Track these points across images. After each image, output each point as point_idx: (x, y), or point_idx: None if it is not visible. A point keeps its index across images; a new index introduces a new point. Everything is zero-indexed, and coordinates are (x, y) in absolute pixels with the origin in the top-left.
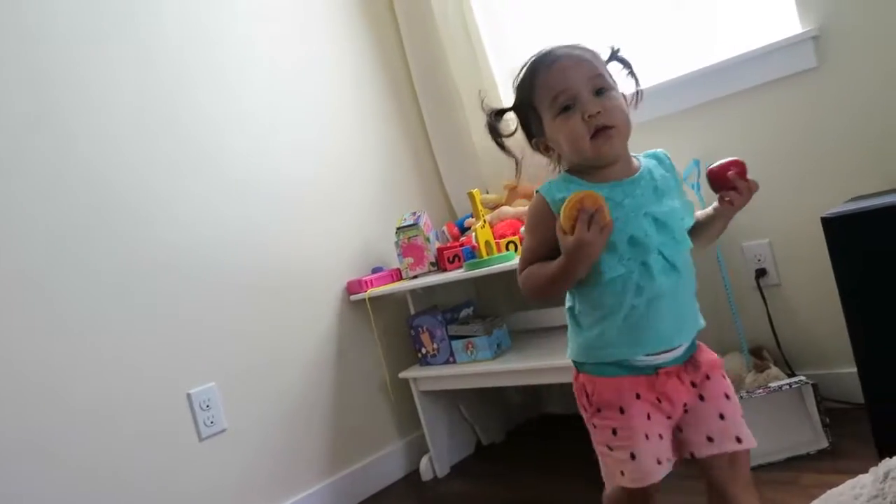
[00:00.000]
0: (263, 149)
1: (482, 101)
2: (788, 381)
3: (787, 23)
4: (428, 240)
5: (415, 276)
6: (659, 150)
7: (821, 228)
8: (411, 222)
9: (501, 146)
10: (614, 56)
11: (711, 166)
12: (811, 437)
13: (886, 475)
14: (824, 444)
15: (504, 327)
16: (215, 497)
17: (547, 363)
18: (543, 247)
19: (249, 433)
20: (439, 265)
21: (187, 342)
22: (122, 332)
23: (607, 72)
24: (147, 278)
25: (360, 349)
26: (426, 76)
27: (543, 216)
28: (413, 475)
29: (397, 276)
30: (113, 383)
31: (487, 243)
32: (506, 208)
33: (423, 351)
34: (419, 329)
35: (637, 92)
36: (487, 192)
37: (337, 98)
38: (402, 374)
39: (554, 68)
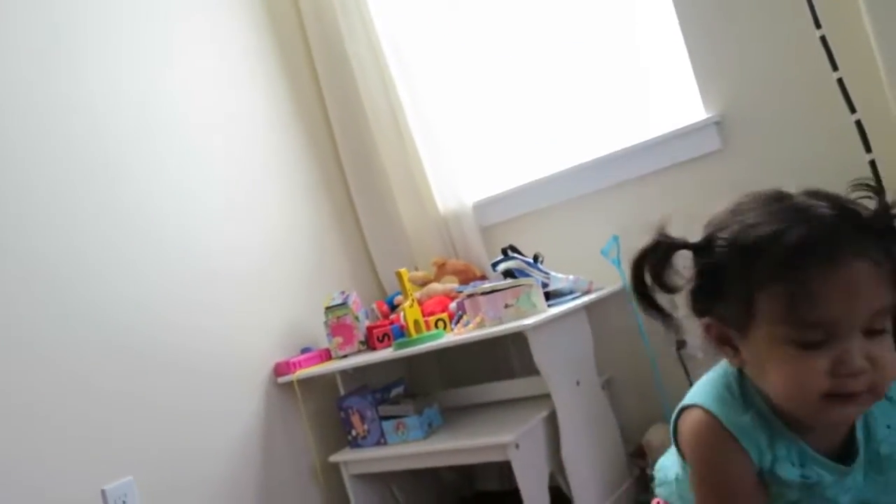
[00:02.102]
0: (188, 224)
1: (662, 225)
2: None
3: (693, 109)
4: (357, 318)
5: (344, 356)
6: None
7: None
8: (340, 301)
9: (649, 301)
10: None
11: None
12: None
13: None
14: None
15: (435, 405)
16: None
17: (479, 442)
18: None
19: None
20: (369, 344)
21: (100, 431)
22: (29, 422)
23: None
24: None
25: (289, 433)
26: (354, 156)
27: (728, 455)
28: None
29: (326, 356)
30: (21, 480)
31: (416, 322)
32: (435, 285)
33: (354, 433)
34: (349, 410)
35: None
36: (416, 269)
37: (263, 177)
38: (332, 458)
39: (840, 278)
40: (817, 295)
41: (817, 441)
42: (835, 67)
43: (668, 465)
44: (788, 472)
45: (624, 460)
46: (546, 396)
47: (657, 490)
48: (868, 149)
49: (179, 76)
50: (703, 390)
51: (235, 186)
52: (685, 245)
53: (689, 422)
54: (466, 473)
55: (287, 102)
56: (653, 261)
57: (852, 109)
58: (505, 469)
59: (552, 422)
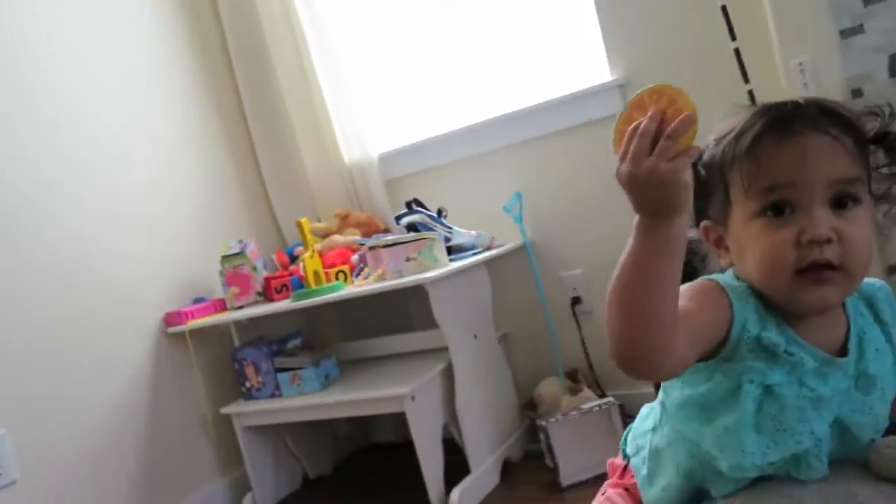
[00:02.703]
0: (66, 163)
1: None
2: (598, 402)
3: (599, 71)
4: (255, 269)
5: (240, 307)
6: (876, 282)
7: None
8: (237, 250)
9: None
10: (880, 138)
11: None
12: (618, 452)
13: None
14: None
15: (333, 358)
16: None
17: (375, 393)
18: (697, 312)
19: (46, 484)
20: (266, 295)
21: None
22: None
23: (869, 172)
24: None
25: (179, 384)
26: (257, 101)
27: (712, 291)
28: None
29: (221, 306)
30: None
31: (316, 273)
32: (337, 237)
33: (248, 385)
34: (243, 362)
35: None
36: (319, 221)
37: (158, 118)
38: (224, 410)
39: (792, 143)
40: (772, 160)
41: (809, 337)
42: (733, 38)
43: (641, 430)
44: (775, 338)
45: (516, 412)
46: (444, 349)
47: (632, 461)
48: None
49: (58, 8)
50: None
51: (125, 127)
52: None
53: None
54: (361, 426)
55: (185, 41)
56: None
57: (746, 80)
58: (400, 421)
59: (448, 374)
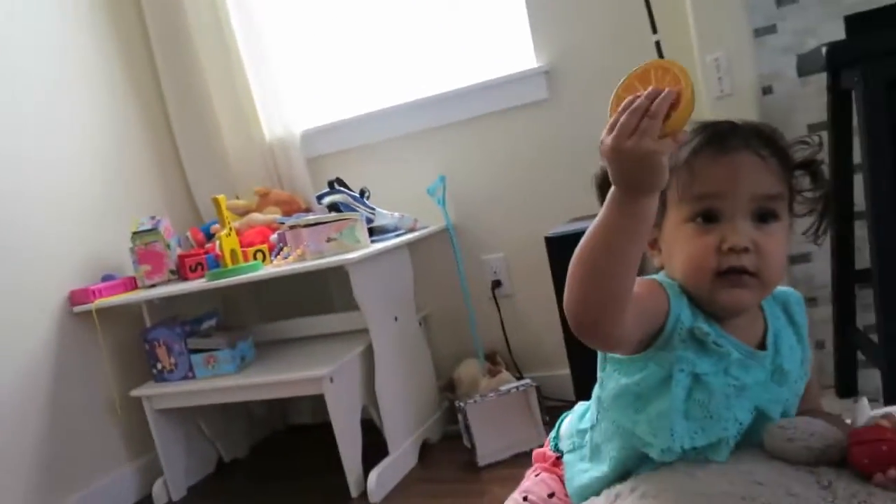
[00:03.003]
0: None
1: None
2: (516, 384)
3: (525, 58)
4: (168, 246)
5: (152, 286)
6: (789, 289)
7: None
8: (149, 227)
9: None
10: (805, 165)
11: (857, 430)
12: (534, 434)
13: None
14: (544, 440)
15: (250, 339)
16: None
17: (293, 375)
18: (644, 297)
19: None
20: (180, 274)
21: None
22: None
23: (790, 191)
24: None
25: (86, 367)
26: (174, 73)
27: (653, 284)
28: (145, 501)
29: (131, 285)
30: None
31: (233, 252)
32: (256, 215)
33: (159, 366)
34: (154, 343)
35: (821, 222)
36: (237, 198)
37: (65, 87)
38: (135, 392)
39: (724, 159)
40: (706, 171)
41: (733, 333)
42: (654, 30)
43: (578, 429)
44: (706, 328)
45: (435, 393)
46: (364, 331)
47: (567, 457)
48: None
49: None
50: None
51: (35, 103)
52: None
53: None
54: (279, 407)
55: (100, 14)
56: (599, 179)
57: None
58: (318, 403)
59: (368, 356)
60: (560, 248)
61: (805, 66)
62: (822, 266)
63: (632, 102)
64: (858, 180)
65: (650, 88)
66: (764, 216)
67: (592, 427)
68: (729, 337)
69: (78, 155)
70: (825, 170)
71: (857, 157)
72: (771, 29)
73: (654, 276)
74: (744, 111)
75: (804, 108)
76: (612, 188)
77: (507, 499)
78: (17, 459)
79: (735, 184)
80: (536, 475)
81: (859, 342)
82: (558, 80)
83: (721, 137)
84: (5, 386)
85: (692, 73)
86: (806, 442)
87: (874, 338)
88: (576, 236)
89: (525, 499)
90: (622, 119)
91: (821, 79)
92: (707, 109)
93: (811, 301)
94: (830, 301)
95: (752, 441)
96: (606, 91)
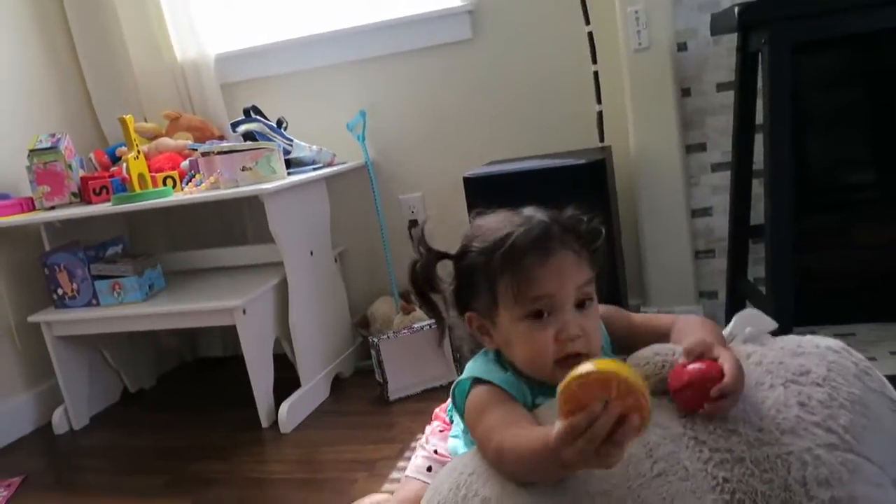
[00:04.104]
0: None
1: (420, 231)
2: (429, 322)
3: None
4: (70, 167)
5: (52, 208)
6: None
7: (462, 186)
8: (49, 145)
9: (427, 300)
10: (588, 233)
11: (674, 370)
12: (444, 370)
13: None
14: (454, 376)
15: (158, 267)
16: None
17: (205, 305)
18: (513, 415)
19: None
20: (83, 197)
21: None
22: None
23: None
24: None
25: None
26: None
27: (503, 397)
28: (45, 429)
29: (29, 206)
30: None
31: (141, 176)
32: (166, 140)
33: (60, 292)
34: (55, 267)
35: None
36: (146, 121)
37: None
38: (32, 318)
39: (550, 262)
40: (536, 277)
41: None
42: None
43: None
44: (543, 399)
45: (349, 329)
46: (278, 264)
47: (450, 439)
48: (594, 60)
49: None
50: (473, 366)
51: None
52: (446, 255)
53: (471, 392)
54: (188, 339)
55: None
56: (421, 269)
57: (587, 21)
58: (228, 335)
59: (282, 289)
60: (477, 188)
61: (718, 25)
62: (720, 220)
63: (592, 419)
64: (759, 140)
65: (612, 410)
66: (584, 303)
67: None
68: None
69: None
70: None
71: (759, 118)
72: None
73: (488, 378)
74: (659, 65)
75: (715, 66)
76: (553, 452)
77: (417, 448)
78: None
79: (561, 283)
80: (441, 431)
81: (749, 292)
82: (483, 20)
83: (541, 241)
84: None
85: (612, 23)
86: (659, 375)
87: (763, 290)
88: (493, 178)
89: (429, 469)
90: (583, 444)
91: (732, 39)
92: (625, 61)
93: (709, 252)
94: (726, 254)
95: None
96: (529, 35)
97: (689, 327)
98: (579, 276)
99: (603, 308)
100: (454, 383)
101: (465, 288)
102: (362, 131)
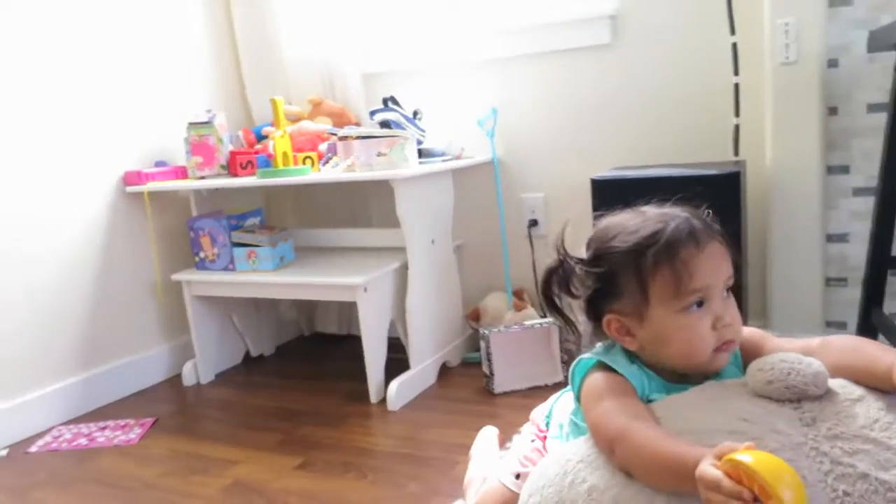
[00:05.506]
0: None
1: (561, 237)
2: (540, 321)
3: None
4: (221, 141)
5: (202, 177)
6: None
7: (588, 189)
8: (206, 120)
9: (555, 307)
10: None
11: None
12: (551, 370)
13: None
14: (559, 377)
15: (290, 241)
16: None
17: (330, 280)
18: (636, 408)
19: None
20: (230, 170)
21: None
22: None
23: None
24: None
25: (133, 245)
26: None
27: (626, 389)
28: (175, 379)
29: (182, 173)
30: None
31: (285, 154)
32: (307, 123)
33: (202, 255)
34: (199, 231)
35: None
36: (291, 105)
37: None
38: (176, 276)
39: (705, 254)
40: (695, 268)
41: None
42: None
43: (556, 417)
44: (655, 396)
45: (460, 320)
46: (399, 249)
47: (549, 441)
48: (736, 72)
49: None
50: (600, 351)
51: None
52: (582, 260)
53: (592, 374)
54: (306, 314)
55: None
56: (559, 276)
57: (732, 31)
58: (344, 314)
59: (402, 273)
60: (605, 191)
61: (876, 42)
62: (857, 248)
63: (737, 497)
64: None
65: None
66: (727, 293)
67: (561, 426)
68: (674, 386)
69: (140, 44)
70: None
71: None
72: (846, 0)
73: (612, 365)
74: (806, 81)
75: (867, 85)
76: (688, 467)
77: (512, 447)
78: (64, 325)
79: (716, 273)
80: (532, 441)
81: (884, 325)
82: (624, 25)
83: (693, 234)
84: (60, 255)
85: (759, 35)
86: (784, 381)
87: None
88: (622, 182)
89: (518, 476)
90: (715, 500)
91: (890, 57)
92: (769, 75)
93: (841, 281)
94: (861, 284)
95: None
96: (670, 42)
97: (850, 345)
98: (726, 267)
99: (747, 331)
100: (575, 361)
101: (605, 290)
102: (492, 128)
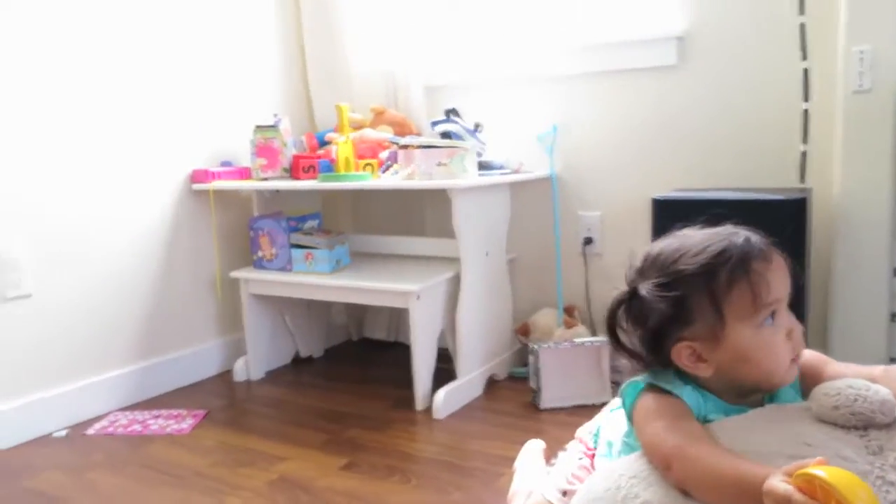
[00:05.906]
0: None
1: (635, 268)
2: (590, 339)
3: (660, 21)
4: (285, 144)
5: (265, 179)
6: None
7: (646, 210)
8: (272, 123)
9: (619, 340)
10: None
11: None
12: (599, 389)
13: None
14: (608, 397)
15: (347, 245)
16: (14, 364)
17: (384, 285)
18: (696, 428)
19: (58, 303)
20: (292, 173)
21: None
22: None
23: None
24: None
25: (195, 241)
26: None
27: (682, 410)
28: (226, 374)
29: (246, 174)
30: None
31: (347, 160)
32: (369, 131)
33: (260, 254)
34: (259, 231)
35: None
36: (354, 113)
37: None
38: (234, 274)
39: (774, 265)
40: (770, 281)
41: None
42: (802, 11)
43: (604, 436)
44: (713, 416)
45: (509, 334)
46: (452, 260)
47: (597, 459)
48: (806, 98)
49: None
50: (651, 375)
51: None
52: (659, 285)
53: (645, 395)
54: (356, 319)
55: None
56: (630, 305)
57: (804, 56)
58: (393, 321)
59: (454, 284)
60: (667, 211)
61: None
62: None
63: None
64: None
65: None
66: (789, 306)
67: (610, 444)
68: (731, 407)
69: (213, 50)
70: None
71: None
72: None
73: (668, 389)
74: (879, 110)
75: None
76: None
77: (558, 463)
78: (126, 315)
79: (785, 285)
80: (580, 459)
81: None
82: (691, 46)
83: (760, 248)
84: (126, 248)
85: (832, 61)
86: (851, 408)
87: None
88: (684, 203)
89: (564, 493)
90: None
91: None
92: (841, 102)
93: None
94: None
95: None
96: (738, 65)
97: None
98: (789, 280)
99: (807, 353)
100: (625, 383)
101: (673, 318)
102: (552, 144)
